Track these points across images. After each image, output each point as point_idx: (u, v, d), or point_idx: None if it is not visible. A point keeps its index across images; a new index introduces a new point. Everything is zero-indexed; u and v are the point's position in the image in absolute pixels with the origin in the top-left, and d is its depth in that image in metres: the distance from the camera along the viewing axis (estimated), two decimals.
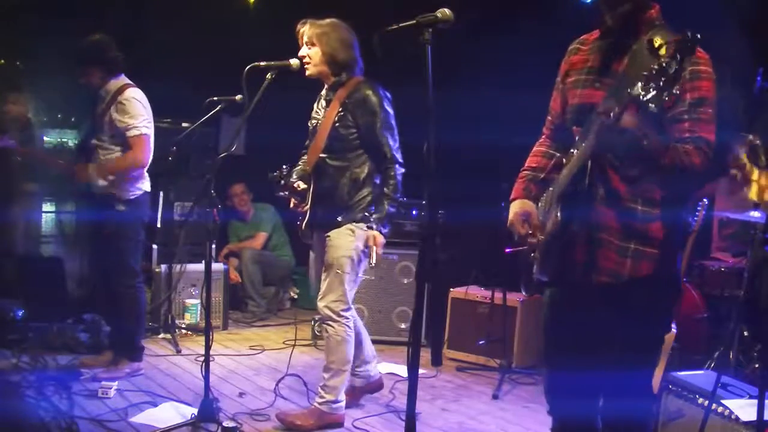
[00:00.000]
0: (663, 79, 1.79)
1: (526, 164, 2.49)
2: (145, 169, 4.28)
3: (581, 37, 2.39)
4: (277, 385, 4.09)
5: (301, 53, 3.52)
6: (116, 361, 4.24)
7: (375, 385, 3.87)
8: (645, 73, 1.83)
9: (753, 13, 4.47)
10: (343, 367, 3.51)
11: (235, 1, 6.48)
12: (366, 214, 3.49)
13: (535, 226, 2.29)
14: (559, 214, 2.17)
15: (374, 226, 3.42)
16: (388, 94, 3.55)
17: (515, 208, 2.37)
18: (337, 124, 3.48)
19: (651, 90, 1.80)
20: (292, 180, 3.61)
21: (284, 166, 3.66)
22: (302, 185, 3.56)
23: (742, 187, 4.71)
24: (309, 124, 3.70)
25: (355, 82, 3.51)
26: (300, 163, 3.74)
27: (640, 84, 1.82)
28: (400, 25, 2.17)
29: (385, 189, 3.48)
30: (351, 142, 3.49)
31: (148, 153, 4.17)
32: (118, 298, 4.24)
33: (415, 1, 2.57)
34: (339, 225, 3.48)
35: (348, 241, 3.46)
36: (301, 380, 4.16)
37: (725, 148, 4.98)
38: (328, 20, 3.52)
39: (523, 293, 2.50)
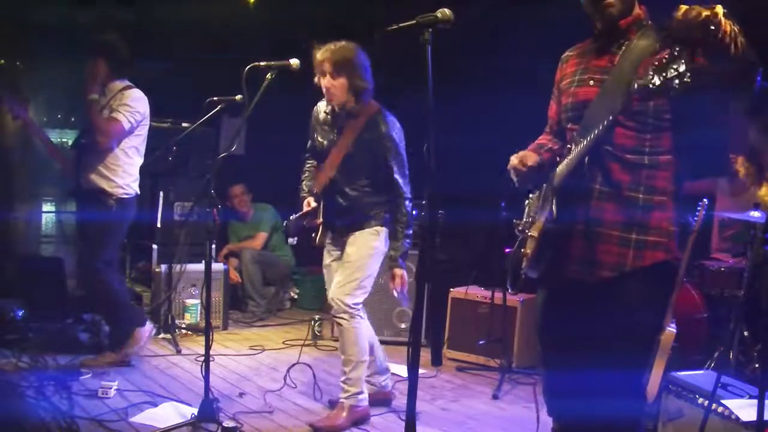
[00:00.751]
0: (674, 67, 1.81)
1: (535, 142, 2.53)
2: (137, 170, 4.33)
3: (573, 46, 2.43)
4: (287, 372, 4.15)
5: (325, 84, 3.47)
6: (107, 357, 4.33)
7: (383, 396, 3.87)
8: (655, 63, 1.85)
9: (753, 12, 4.47)
10: (362, 357, 3.52)
11: (235, 1, 6.48)
12: (386, 216, 3.56)
13: (531, 167, 2.30)
14: (554, 209, 2.17)
15: (398, 262, 3.51)
16: (398, 124, 3.56)
17: (518, 153, 2.40)
18: (351, 155, 3.51)
19: (660, 79, 1.81)
20: (303, 195, 3.67)
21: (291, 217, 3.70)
22: (313, 203, 3.61)
23: (745, 188, 4.75)
24: (317, 143, 3.68)
25: (369, 113, 3.50)
26: (306, 170, 3.77)
27: (650, 74, 1.84)
28: (400, 25, 2.18)
29: (398, 227, 3.53)
30: (364, 171, 3.52)
31: (112, 138, 4.18)
32: (91, 289, 4.34)
33: (415, 1, 2.57)
34: (362, 227, 3.54)
35: (372, 241, 3.52)
36: (310, 371, 4.22)
37: (723, 149, 4.99)
38: (345, 45, 3.45)
39: (509, 290, 2.50)
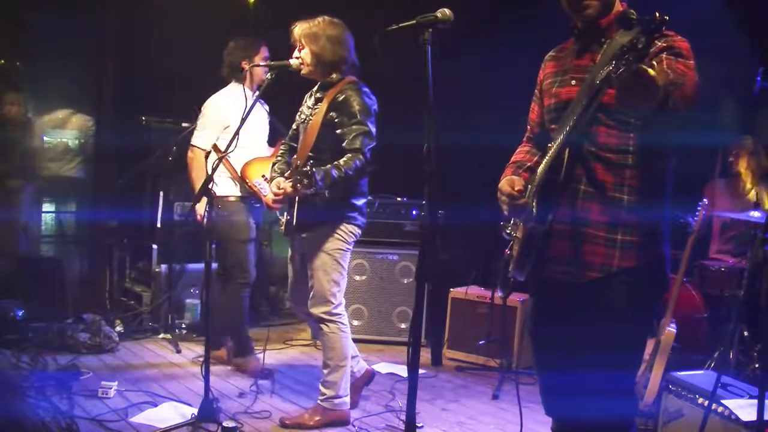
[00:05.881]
0: (632, 54, 1.80)
1: (511, 160, 2.50)
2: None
3: (557, 47, 2.42)
4: (255, 382, 4.12)
5: (294, 55, 3.52)
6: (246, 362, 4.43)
7: (365, 378, 3.87)
8: (616, 51, 1.85)
9: (753, 12, 4.47)
10: (341, 362, 3.51)
11: (235, 1, 6.48)
12: (349, 213, 3.49)
13: (520, 190, 2.22)
14: (535, 208, 2.16)
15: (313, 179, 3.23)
16: (373, 96, 3.51)
17: (503, 180, 2.33)
18: (324, 125, 3.45)
19: (621, 67, 1.81)
20: (273, 175, 3.60)
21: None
22: (284, 184, 3.42)
23: (744, 190, 4.74)
24: (296, 118, 3.67)
25: (344, 83, 3.48)
26: (279, 155, 3.73)
27: (613, 63, 1.84)
28: (400, 25, 2.18)
29: (339, 161, 3.34)
30: (336, 144, 3.44)
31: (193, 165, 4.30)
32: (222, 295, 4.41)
33: (415, 1, 2.57)
34: (322, 225, 3.47)
35: (331, 241, 3.46)
36: (311, 372, 4.20)
37: (725, 150, 5.00)
38: (318, 19, 3.49)
39: (499, 294, 2.48)
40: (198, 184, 4.06)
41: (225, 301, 4.32)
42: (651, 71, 1.74)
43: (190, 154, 4.31)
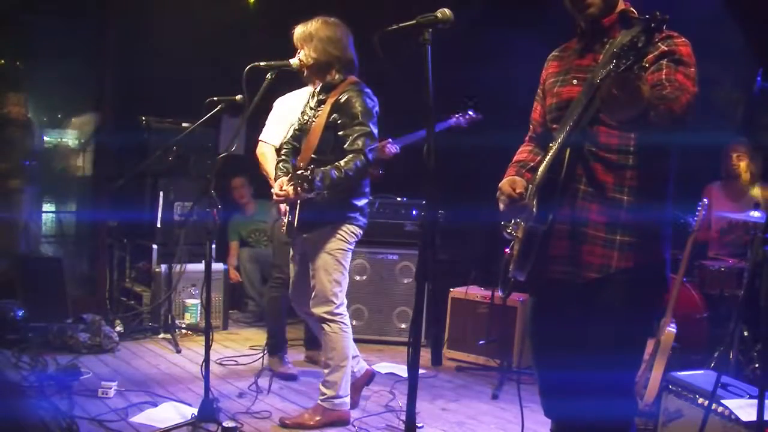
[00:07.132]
0: (633, 53, 1.80)
1: (514, 159, 2.50)
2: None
3: (560, 46, 2.42)
4: (256, 381, 4.16)
5: (296, 57, 3.52)
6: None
7: (366, 378, 3.87)
8: (616, 50, 1.85)
9: (753, 12, 4.48)
10: (342, 362, 3.52)
11: (235, 1, 6.49)
12: (350, 214, 3.49)
13: (521, 193, 2.23)
14: (535, 208, 2.16)
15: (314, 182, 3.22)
16: (374, 97, 3.51)
17: (504, 180, 2.33)
18: (327, 128, 3.45)
19: (621, 66, 1.80)
20: (278, 174, 3.60)
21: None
22: (287, 185, 3.43)
23: (742, 191, 4.74)
24: (298, 120, 3.68)
25: (346, 84, 3.48)
26: (282, 155, 3.72)
27: (613, 62, 1.84)
28: (400, 25, 2.17)
29: (339, 161, 3.34)
30: (339, 145, 3.44)
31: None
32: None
33: (415, 1, 2.57)
34: (323, 226, 3.47)
35: (333, 241, 3.47)
36: (312, 372, 4.21)
37: (723, 151, 5.01)
38: (314, 20, 3.50)
39: (499, 294, 2.48)
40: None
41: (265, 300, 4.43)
42: (641, 84, 1.75)
43: (257, 149, 4.27)
